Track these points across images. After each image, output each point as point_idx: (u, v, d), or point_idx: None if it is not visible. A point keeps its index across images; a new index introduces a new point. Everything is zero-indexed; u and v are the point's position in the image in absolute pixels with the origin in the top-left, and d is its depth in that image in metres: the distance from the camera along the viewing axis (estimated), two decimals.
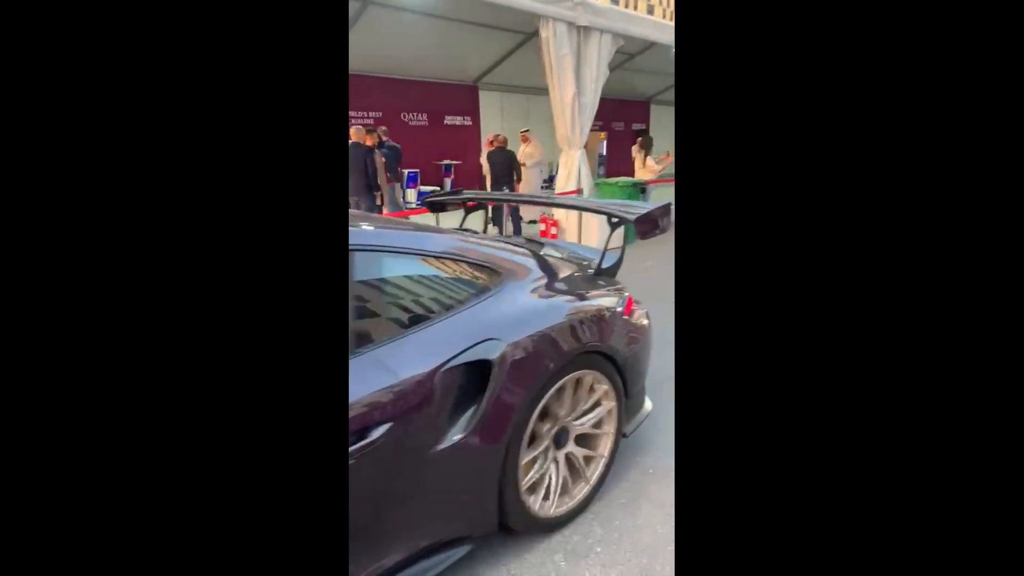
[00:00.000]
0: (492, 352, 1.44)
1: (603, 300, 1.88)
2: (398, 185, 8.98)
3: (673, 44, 7.36)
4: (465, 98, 11.39)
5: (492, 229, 6.97)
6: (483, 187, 8.42)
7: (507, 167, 6.68)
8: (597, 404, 1.83)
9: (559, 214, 6.43)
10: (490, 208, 5.86)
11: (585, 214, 6.05)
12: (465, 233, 2.10)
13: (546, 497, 1.69)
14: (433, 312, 1.47)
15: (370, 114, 9.10)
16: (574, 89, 5.87)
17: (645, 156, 7.49)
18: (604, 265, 2.14)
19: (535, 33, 5.74)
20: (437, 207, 3.49)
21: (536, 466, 1.66)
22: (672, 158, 9.13)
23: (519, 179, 6.84)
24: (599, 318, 1.80)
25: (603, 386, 1.82)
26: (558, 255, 2.24)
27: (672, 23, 7.51)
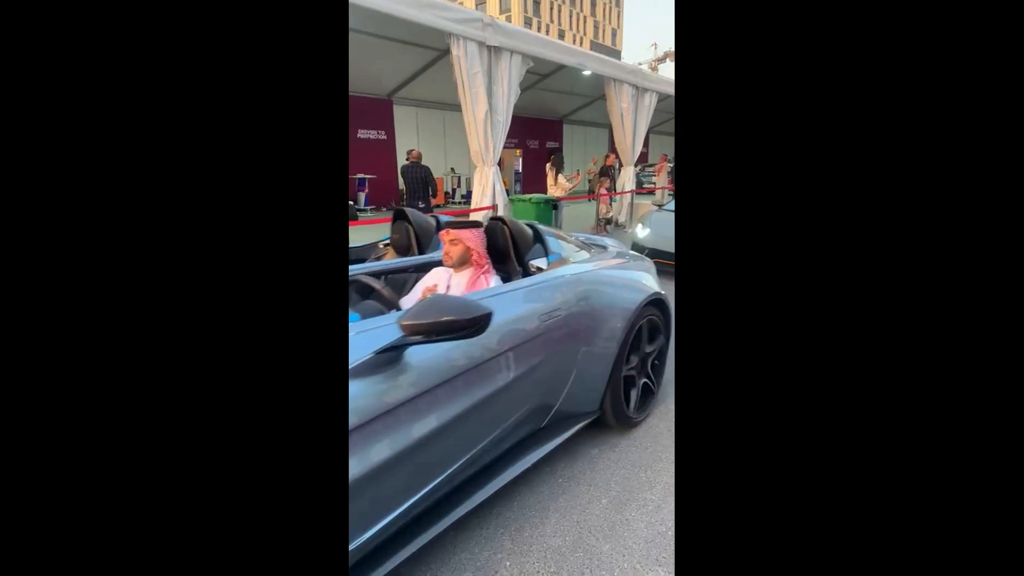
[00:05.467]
0: None
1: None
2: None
3: (581, 68, 7.73)
4: (379, 112, 11.23)
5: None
6: (399, 201, 8.26)
7: (421, 182, 6.64)
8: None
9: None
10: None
11: None
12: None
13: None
14: None
15: None
16: (486, 107, 5.98)
17: (556, 174, 7.76)
18: None
19: (448, 51, 5.80)
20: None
21: None
22: (580, 178, 9.52)
23: (434, 194, 6.82)
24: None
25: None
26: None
27: (583, 48, 7.88)
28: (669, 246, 5.55)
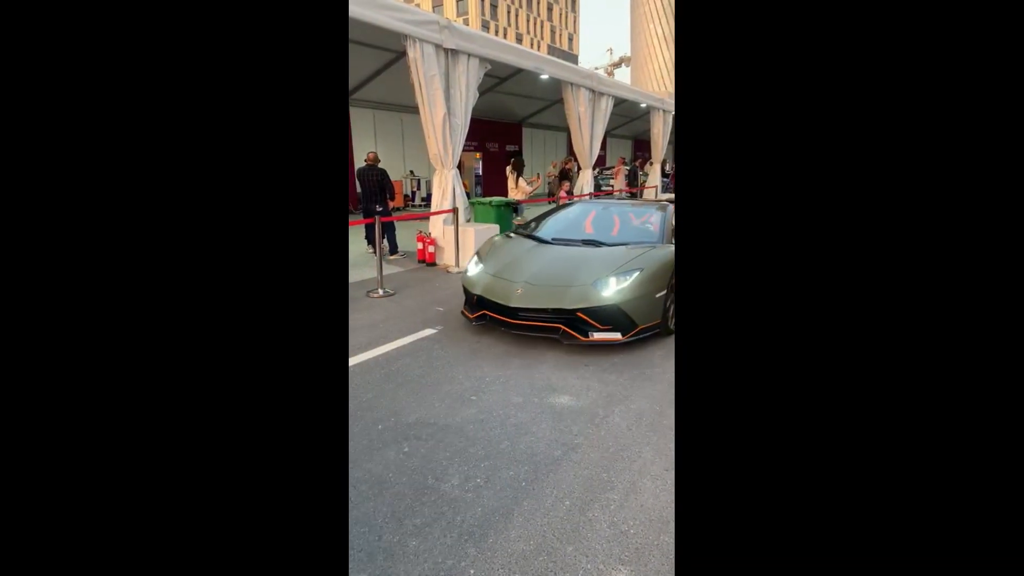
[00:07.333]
0: None
1: None
2: None
3: (539, 71, 7.79)
4: None
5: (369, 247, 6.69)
6: (356, 205, 8.05)
7: (377, 185, 6.52)
8: None
9: (436, 232, 6.42)
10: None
11: (462, 231, 6.09)
12: None
13: None
14: None
15: None
16: (444, 109, 5.94)
17: (517, 177, 7.79)
18: None
19: (404, 52, 5.73)
20: None
21: None
22: (541, 181, 9.57)
23: (391, 197, 6.71)
24: None
25: None
26: None
27: (541, 53, 7.94)
28: (509, 295, 3.36)
